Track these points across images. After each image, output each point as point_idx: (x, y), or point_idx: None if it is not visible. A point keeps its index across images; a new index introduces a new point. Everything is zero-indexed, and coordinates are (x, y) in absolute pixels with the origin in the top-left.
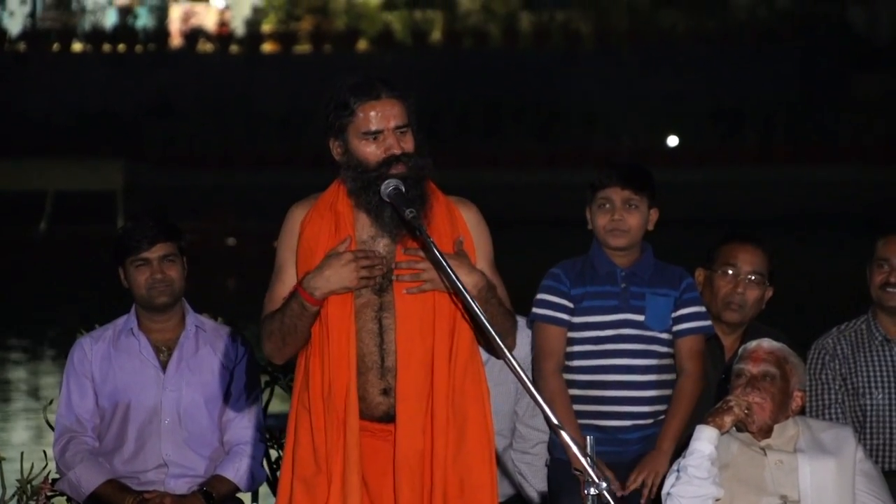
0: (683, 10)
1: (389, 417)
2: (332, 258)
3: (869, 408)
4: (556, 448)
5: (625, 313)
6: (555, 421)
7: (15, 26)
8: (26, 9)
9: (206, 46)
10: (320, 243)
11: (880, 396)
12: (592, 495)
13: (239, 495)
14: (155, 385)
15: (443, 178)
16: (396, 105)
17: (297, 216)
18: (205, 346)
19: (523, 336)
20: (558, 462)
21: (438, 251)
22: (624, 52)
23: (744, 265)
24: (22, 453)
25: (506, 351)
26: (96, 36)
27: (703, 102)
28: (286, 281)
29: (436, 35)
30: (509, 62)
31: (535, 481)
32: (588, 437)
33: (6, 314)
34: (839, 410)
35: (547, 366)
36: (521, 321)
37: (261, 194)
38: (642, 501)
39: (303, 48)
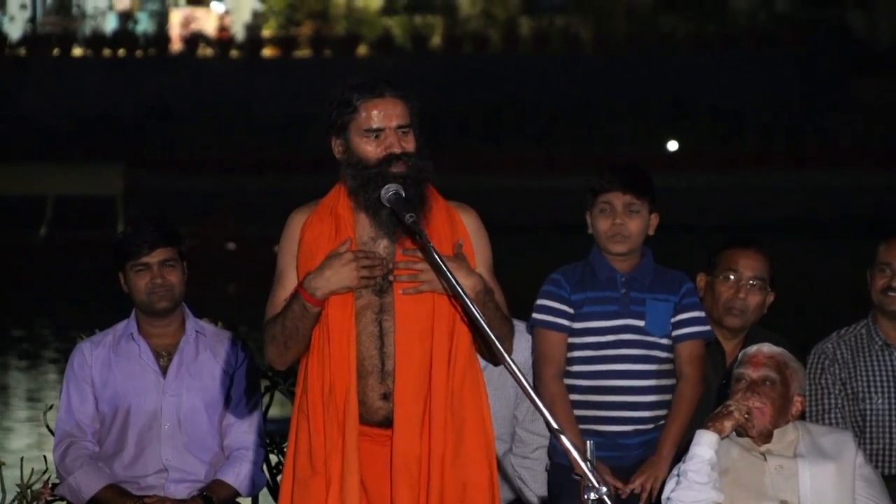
0: (683, 14)
1: (389, 422)
2: (333, 258)
3: (869, 412)
4: (556, 453)
5: (625, 319)
6: (554, 425)
7: (15, 31)
8: (27, 13)
9: (206, 51)
10: (320, 245)
11: (880, 401)
12: (593, 500)
13: (239, 500)
14: (155, 390)
15: (443, 183)
16: (399, 105)
17: (297, 222)
18: (205, 350)
19: (523, 341)
20: (558, 467)
21: (437, 254)
22: (624, 57)
23: (745, 270)
24: (22, 458)
25: (504, 353)
26: (96, 41)
27: (702, 106)
28: (287, 286)
29: (436, 40)
30: (509, 67)
31: (535, 486)
32: (588, 442)
33: (6, 319)
34: (839, 415)
35: (547, 371)
36: (521, 326)
37: (261, 199)
38: None
39: (303, 53)
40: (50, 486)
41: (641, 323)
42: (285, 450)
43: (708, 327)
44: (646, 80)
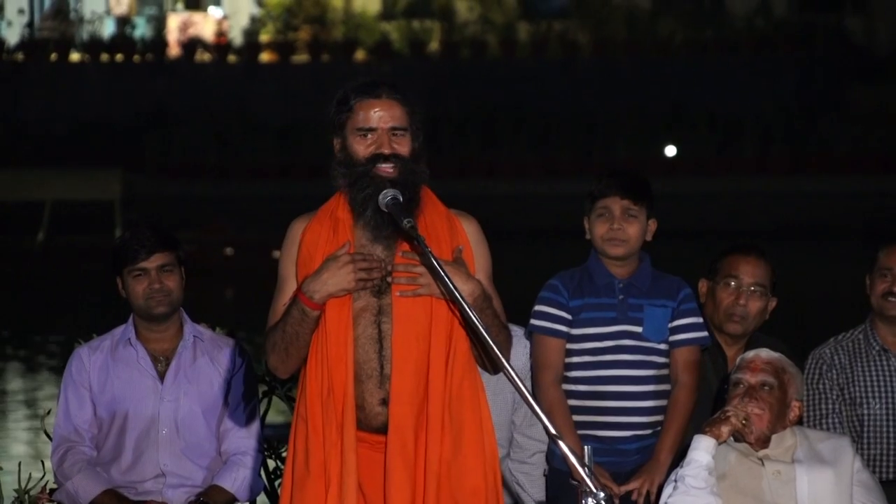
0: (681, 20)
1: (387, 428)
2: (330, 261)
3: (866, 418)
4: (554, 458)
5: (623, 325)
6: (553, 431)
7: (13, 36)
8: (24, 19)
9: (203, 56)
10: (318, 248)
11: (877, 406)
12: None
13: None
14: (152, 395)
15: (440, 188)
16: (395, 107)
17: (297, 228)
18: (203, 356)
19: (521, 346)
20: (557, 472)
21: (434, 258)
22: (622, 62)
23: (745, 277)
24: (20, 463)
25: (503, 359)
26: (94, 46)
27: (701, 112)
28: (288, 293)
29: (434, 45)
30: (507, 72)
31: (533, 491)
32: (586, 447)
33: (4, 324)
34: (837, 420)
35: (545, 377)
36: (519, 331)
37: (259, 204)
38: None
39: (301, 58)
40: (48, 491)
41: (639, 329)
42: (283, 455)
43: (705, 333)
44: (644, 86)
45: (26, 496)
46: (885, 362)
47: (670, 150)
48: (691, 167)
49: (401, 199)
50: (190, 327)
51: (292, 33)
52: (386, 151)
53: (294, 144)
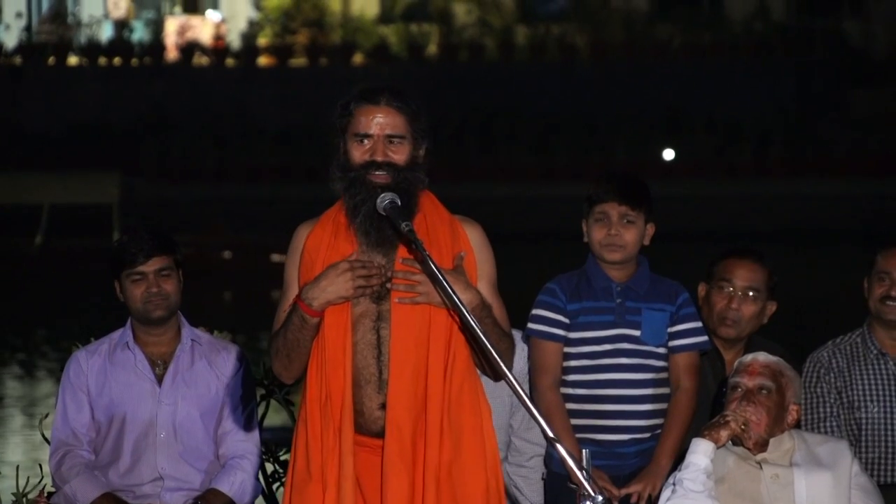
0: (679, 23)
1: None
2: (330, 269)
3: (864, 421)
4: (552, 461)
5: (621, 328)
6: (551, 434)
7: (11, 39)
8: (22, 22)
9: (201, 60)
10: (319, 253)
11: (875, 410)
12: None
13: None
14: (150, 399)
15: (438, 191)
16: (395, 115)
17: (301, 234)
18: (200, 359)
19: (519, 350)
20: (555, 475)
21: (434, 265)
22: (620, 66)
23: (739, 281)
24: (18, 467)
25: (502, 365)
26: (92, 49)
27: (699, 116)
28: (292, 299)
29: (431, 48)
30: (505, 75)
31: (531, 494)
32: (584, 451)
33: (2, 328)
34: (834, 424)
35: (543, 381)
36: (517, 334)
37: (257, 207)
38: None
39: (299, 61)
40: (46, 495)
41: (637, 332)
42: (281, 458)
43: (705, 338)
44: (642, 89)
45: (24, 500)
46: (882, 366)
47: (669, 154)
48: (690, 170)
49: (398, 203)
50: (188, 331)
51: (290, 37)
52: (379, 159)
53: (292, 148)
